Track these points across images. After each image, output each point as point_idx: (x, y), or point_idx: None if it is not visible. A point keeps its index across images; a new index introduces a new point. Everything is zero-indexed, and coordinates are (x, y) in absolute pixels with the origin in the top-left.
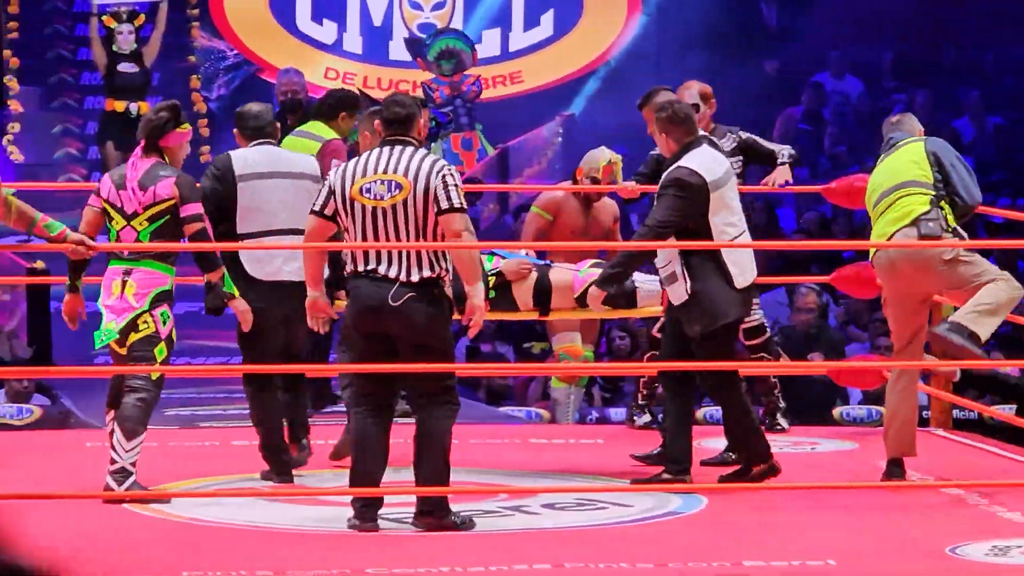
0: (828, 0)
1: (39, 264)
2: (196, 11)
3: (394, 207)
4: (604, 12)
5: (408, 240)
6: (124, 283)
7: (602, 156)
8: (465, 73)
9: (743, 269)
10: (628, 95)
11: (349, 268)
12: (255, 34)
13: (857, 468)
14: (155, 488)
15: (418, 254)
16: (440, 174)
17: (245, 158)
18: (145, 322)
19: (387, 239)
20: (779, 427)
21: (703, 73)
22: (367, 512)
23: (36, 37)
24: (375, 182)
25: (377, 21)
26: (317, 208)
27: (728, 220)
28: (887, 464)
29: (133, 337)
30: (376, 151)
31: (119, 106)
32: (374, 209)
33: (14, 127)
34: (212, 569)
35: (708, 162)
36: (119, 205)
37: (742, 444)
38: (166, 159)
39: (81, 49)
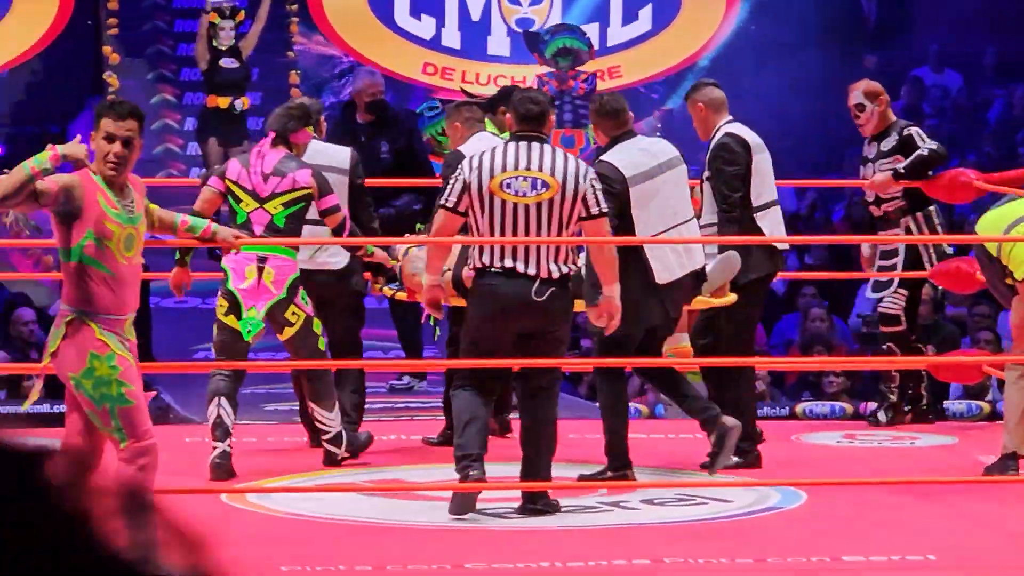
0: None
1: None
2: (295, 6)
3: (538, 205)
4: (703, 7)
5: (549, 237)
6: (261, 269)
7: None
8: (579, 69)
9: (667, 265)
10: (727, 90)
11: (477, 264)
12: (353, 29)
13: (958, 463)
14: (254, 482)
15: (556, 251)
16: (589, 178)
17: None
18: (294, 313)
19: (526, 235)
20: (876, 421)
21: (801, 67)
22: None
23: (136, 33)
24: (516, 178)
25: (475, 16)
26: (450, 204)
27: (655, 214)
28: (1000, 458)
29: (288, 332)
30: (512, 146)
31: (222, 102)
32: (515, 205)
33: None
34: (311, 564)
35: (630, 156)
36: (250, 187)
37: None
38: (294, 152)
39: (180, 45)
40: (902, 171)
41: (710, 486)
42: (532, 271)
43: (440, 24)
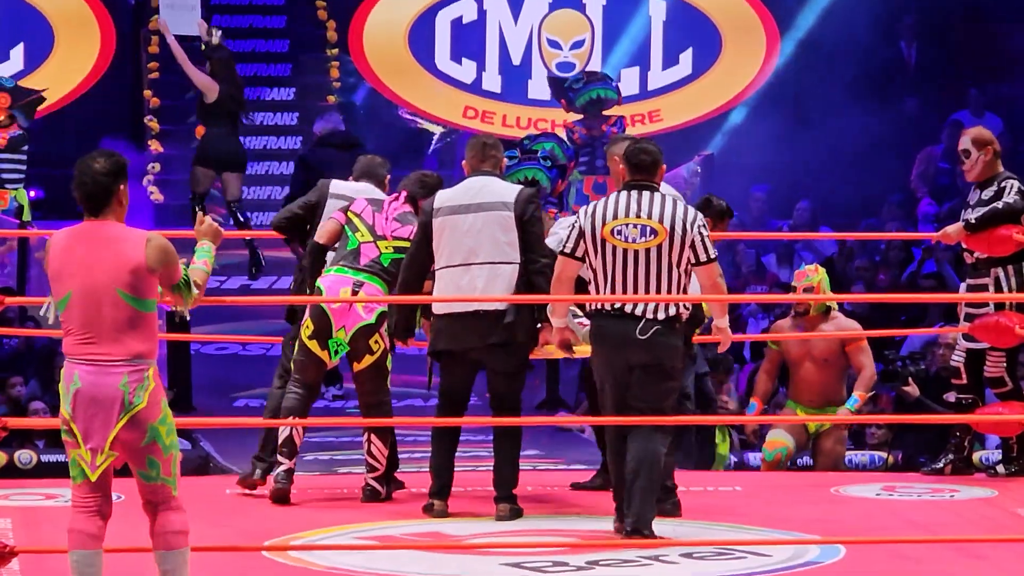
0: (967, 38)
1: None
2: (336, 50)
3: (647, 251)
4: (743, 51)
5: (656, 282)
6: (355, 293)
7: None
8: (606, 114)
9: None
10: (767, 133)
11: (592, 307)
12: (394, 72)
13: (997, 517)
14: (295, 537)
15: (668, 293)
16: (697, 226)
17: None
18: (376, 342)
19: (635, 280)
20: (996, 473)
21: (841, 111)
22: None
23: (176, 78)
24: (627, 225)
25: (516, 60)
26: (568, 250)
27: (444, 250)
28: None
29: (367, 360)
30: (624, 195)
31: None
32: (625, 251)
33: (155, 167)
34: None
35: (452, 191)
36: (371, 223)
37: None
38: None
39: None
40: (973, 222)
41: (748, 544)
42: (639, 311)
43: (481, 68)
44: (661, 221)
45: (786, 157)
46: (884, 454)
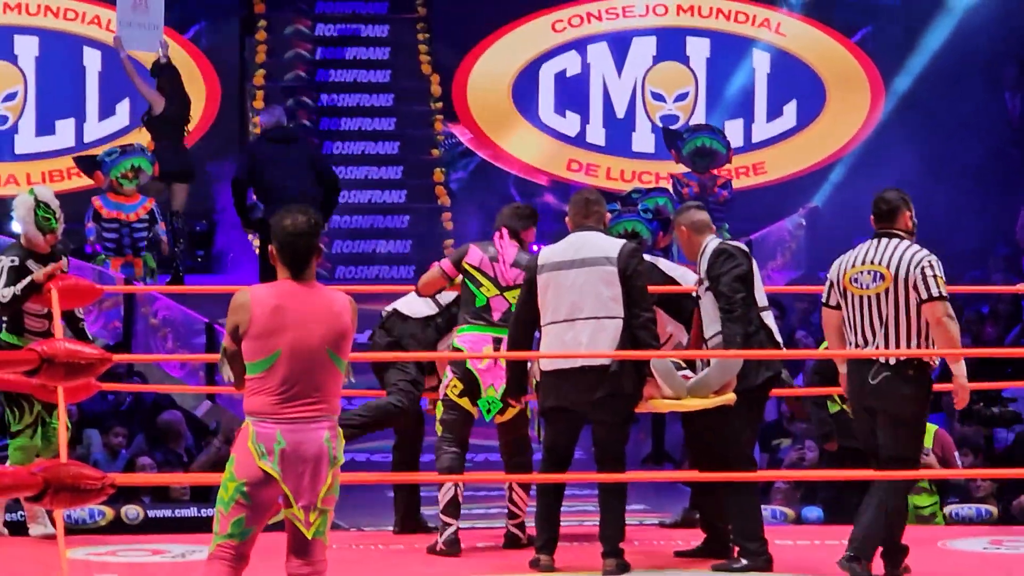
0: None
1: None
2: (440, 104)
3: (878, 296)
4: (847, 102)
5: (889, 326)
6: (497, 350)
7: None
8: (716, 173)
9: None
10: (872, 186)
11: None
12: (497, 126)
13: None
14: None
15: (898, 337)
16: (919, 266)
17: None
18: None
19: (871, 324)
20: None
21: (945, 162)
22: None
23: (281, 107)
24: (862, 272)
25: (620, 113)
26: (823, 300)
27: (549, 306)
28: None
29: (512, 411)
30: (867, 243)
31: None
32: (861, 298)
33: None
34: None
35: (556, 248)
36: (492, 275)
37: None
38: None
39: (326, 143)
40: None
41: None
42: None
43: (585, 121)
44: (887, 266)
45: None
46: (991, 507)
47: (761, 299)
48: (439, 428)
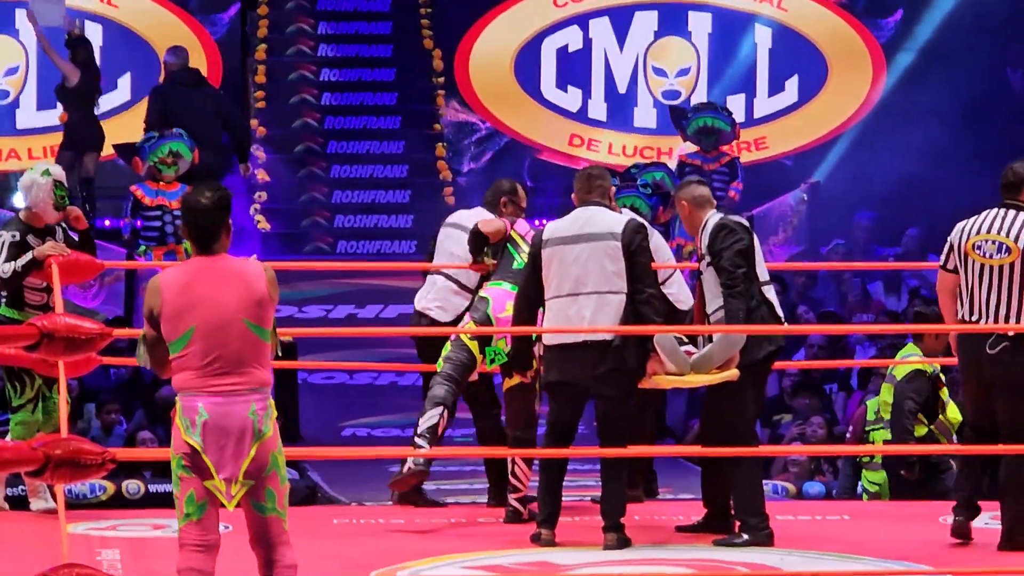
0: None
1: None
2: (442, 79)
3: (1001, 268)
4: (849, 78)
5: (1010, 298)
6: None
7: None
8: (722, 151)
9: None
10: (873, 161)
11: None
12: (499, 101)
13: None
14: (403, 567)
15: (1018, 309)
16: None
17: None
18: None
19: (990, 294)
20: None
21: (947, 140)
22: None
23: (282, 107)
24: (986, 241)
25: (621, 88)
26: (940, 262)
27: (553, 280)
28: None
29: (517, 379)
30: (992, 211)
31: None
32: (982, 266)
33: (261, 196)
34: None
35: (560, 222)
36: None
37: None
38: None
39: (328, 118)
40: None
41: (856, 575)
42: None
43: (587, 96)
44: (1016, 240)
45: (893, 185)
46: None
47: (763, 274)
48: (440, 363)
